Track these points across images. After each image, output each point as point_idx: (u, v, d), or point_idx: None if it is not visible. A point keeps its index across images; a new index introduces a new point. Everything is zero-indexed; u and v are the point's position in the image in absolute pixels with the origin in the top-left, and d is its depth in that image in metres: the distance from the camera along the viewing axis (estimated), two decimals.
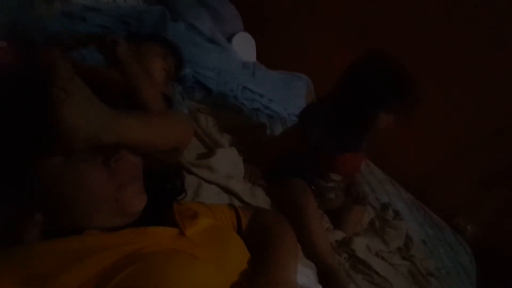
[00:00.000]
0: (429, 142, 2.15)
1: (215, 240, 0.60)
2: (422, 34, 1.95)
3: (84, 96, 0.50)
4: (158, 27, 1.65)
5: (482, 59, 1.84)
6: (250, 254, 0.65)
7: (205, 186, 1.17)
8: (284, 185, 1.39)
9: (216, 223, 0.69)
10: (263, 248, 0.68)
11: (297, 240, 0.99)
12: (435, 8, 1.89)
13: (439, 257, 1.79)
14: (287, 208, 1.30)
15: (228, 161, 1.30)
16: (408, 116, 1.23)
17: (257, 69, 2.12)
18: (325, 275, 1.12)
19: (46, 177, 0.48)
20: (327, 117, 1.30)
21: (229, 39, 2.20)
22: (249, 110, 1.91)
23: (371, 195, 1.89)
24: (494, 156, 2.04)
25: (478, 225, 2.23)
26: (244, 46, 2.25)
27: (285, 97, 2.12)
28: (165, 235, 0.55)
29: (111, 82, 0.96)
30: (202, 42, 1.90)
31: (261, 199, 1.32)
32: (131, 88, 0.96)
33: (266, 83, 2.08)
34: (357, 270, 1.32)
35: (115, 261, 0.46)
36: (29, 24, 1.34)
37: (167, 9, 1.77)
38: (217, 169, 1.23)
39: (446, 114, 2.05)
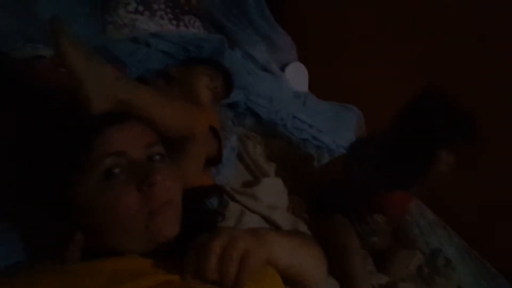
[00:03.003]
0: (489, 182, 1.96)
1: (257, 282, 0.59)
2: (486, 69, 1.84)
3: (90, 53, 0.55)
4: (216, 55, 1.72)
5: None
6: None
7: (247, 215, 1.17)
8: (327, 221, 1.35)
9: None
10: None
11: (338, 282, 0.95)
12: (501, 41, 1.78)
13: None
14: (328, 245, 1.25)
15: (272, 191, 1.30)
16: (470, 157, 1.16)
17: (308, 99, 2.13)
18: None
19: (83, 196, 0.50)
20: (378, 153, 1.25)
21: (283, 68, 2.24)
22: (297, 140, 1.90)
23: (420, 238, 1.78)
24: None
25: None
26: (296, 76, 2.28)
27: (334, 129, 2.09)
28: None
29: None
30: (257, 70, 1.95)
31: None
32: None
33: (317, 114, 2.07)
34: None
35: (156, 285, 0.46)
36: (99, 47, 1.46)
37: (226, 37, 1.85)
38: (261, 199, 1.24)
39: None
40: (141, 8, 1.67)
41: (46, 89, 0.79)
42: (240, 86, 1.63)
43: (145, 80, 1.29)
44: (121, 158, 0.52)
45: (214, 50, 1.75)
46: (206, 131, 0.86)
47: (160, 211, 0.51)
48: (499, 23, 1.73)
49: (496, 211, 2.04)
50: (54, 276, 0.45)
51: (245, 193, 1.22)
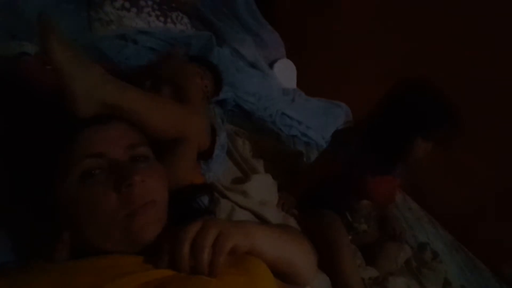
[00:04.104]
0: (475, 176, 2.00)
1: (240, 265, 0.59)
2: (468, 66, 1.87)
3: (78, 53, 0.53)
4: (204, 52, 1.72)
5: None
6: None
7: (238, 211, 1.17)
8: (315, 216, 1.36)
9: None
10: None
11: (328, 276, 0.95)
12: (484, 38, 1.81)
13: None
14: (318, 240, 1.26)
15: (262, 188, 1.30)
16: (447, 145, 1.18)
17: (296, 96, 2.14)
18: None
19: (64, 196, 0.50)
20: (359, 139, 1.27)
21: (271, 65, 2.25)
22: (286, 137, 1.91)
23: (408, 232, 1.81)
24: None
25: None
26: (285, 73, 2.29)
27: (323, 125, 2.11)
28: None
29: None
30: (245, 67, 1.95)
31: None
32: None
33: (305, 110, 2.08)
34: None
35: (146, 282, 0.46)
36: (86, 45, 1.44)
37: (214, 34, 1.85)
38: (251, 195, 1.24)
39: (496, 145, 1.90)
40: (127, 5, 1.65)
41: (30, 87, 0.77)
42: (229, 83, 1.63)
43: (133, 78, 1.28)
44: (100, 159, 0.51)
45: (202, 47, 1.75)
46: (199, 132, 0.85)
47: (139, 212, 0.50)
48: (493, 21, 1.76)
49: (482, 205, 2.09)
50: (42, 274, 0.45)
51: (236, 189, 1.22)
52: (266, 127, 1.87)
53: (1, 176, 0.57)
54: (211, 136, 1.14)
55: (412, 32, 2.03)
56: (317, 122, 2.09)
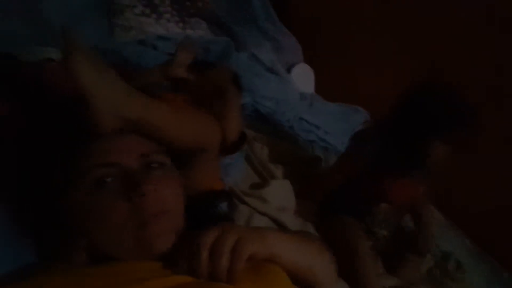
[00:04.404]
0: (503, 182, 1.91)
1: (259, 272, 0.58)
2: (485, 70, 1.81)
3: (103, 68, 0.52)
4: (223, 57, 1.73)
5: None
6: None
7: (256, 217, 1.17)
8: (335, 223, 1.34)
9: None
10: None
11: (348, 284, 0.92)
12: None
13: None
14: (337, 247, 1.24)
15: (281, 193, 1.29)
16: (466, 148, 1.15)
17: (314, 101, 2.12)
18: None
19: (76, 205, 0.50)
20: (379, 141, 1.25)
21: (289, 69, 2.23)
22: (304, 142, 1.89)
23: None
24: None
25: None
26: (303, 77, 2.27)
27: (342, 130, 2.08)
28: None
29: None
30: (263, 72, 1.94)
31: None
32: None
33: (323, 115, 2.06)
34: None
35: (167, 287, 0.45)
36: (108, 50, 1.47)
37: (232, 39, 1.85)
38: (270, 201, 1.23)
39: None
40: (147, 11, 1.68)
41: (52, 93, 0.79)
42: (247, 88, 1.63)
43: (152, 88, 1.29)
44: (113, 168, 0.51)
45: (220, 53, 1.75)
46: (218, 142, 0.84)
47: (151, 222, 0.50)
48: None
49: (510, 212, 2.01)
50: (62, 278, 0.45)
51: (254, 195, 1.21)
52: (284, 132, 1.86)
53: (24, 180, 0.58)
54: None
55: (432, 35, 1.99)
56: (335, 127, 2.06)
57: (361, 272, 1.17)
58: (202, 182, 0.74)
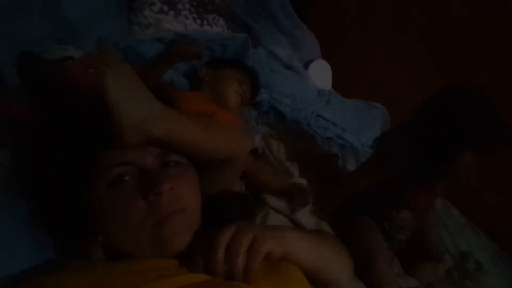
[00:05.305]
0: None
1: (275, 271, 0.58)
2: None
3: (133, 83, 0.50)
4: (240, 54, 1.72)
5: None
6: None
7: (272, 215, 1.17)
8: (351, 223, 1.32)
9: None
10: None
11: (364, 283, 0.91)
12: None
13: None
14: (354, 247, 1.22)
15: None
16: (495, 158, 1.11)
17: (332, 97, 2.10)
18: None
19: (93, 202, 0.50)
20: (407, 145, 1.21)
21: (306, 66, 2.22)
22: (321, 139, 1.88)
23: (447, 240, 1.73)
24: None
25: None
26: (320, 74, 2.25)
27: (359, 127, 2.06)
28: None
29: None
30: (280, 69, 1.94)
31: None
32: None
33: (341, 112, 2.04)
34: None
35: (180, 286, 0.45)
36: (127, 48, 1.49)
37: (249, 35, 1.85)
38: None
39: None
40: (166, 8, 1.69)
41: (71, 92, 0.79)
42: (264, 85, 1.62)
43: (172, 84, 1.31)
44: (131, 166, 0.51)
45: (238, 49, 1.75)
46: (246, 152, 0.84)
47: (167, 220, 0.49)
48: None
49: None
50: (79, 275, 0.45)
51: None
52: (301, 129, 1.85)
53: (43, 178, 0.59)
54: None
55: (452, 35, 1.94)
56: (353, 124, 2.04)
57: (378, 271, 1.16)
58: (221, 184, 0.74)
